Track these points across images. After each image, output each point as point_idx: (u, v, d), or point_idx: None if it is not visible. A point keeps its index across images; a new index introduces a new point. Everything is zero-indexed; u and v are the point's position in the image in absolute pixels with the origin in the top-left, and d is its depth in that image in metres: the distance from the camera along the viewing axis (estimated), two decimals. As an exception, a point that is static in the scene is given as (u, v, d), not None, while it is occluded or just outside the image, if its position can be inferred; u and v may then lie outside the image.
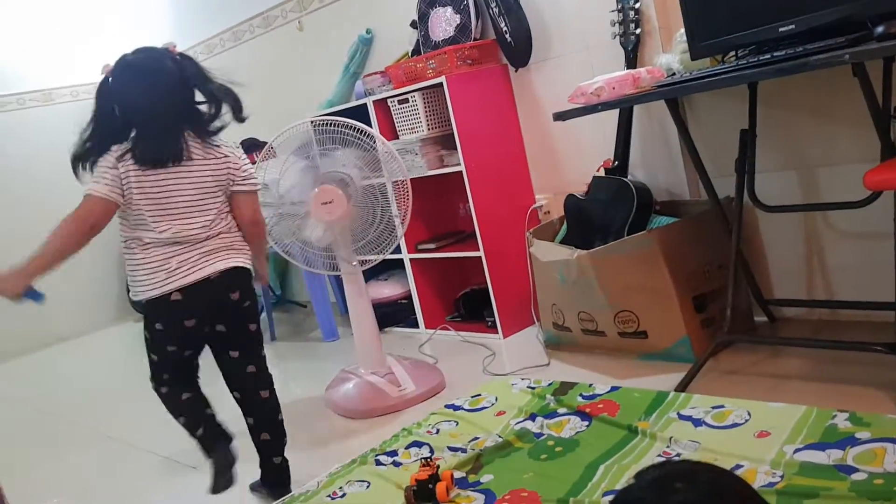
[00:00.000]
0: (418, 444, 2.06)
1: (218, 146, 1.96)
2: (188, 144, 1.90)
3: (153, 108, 1.87)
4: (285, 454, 2.12)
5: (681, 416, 1.85)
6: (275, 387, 2.12)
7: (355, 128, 2.49)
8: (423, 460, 1.82)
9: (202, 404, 2.07)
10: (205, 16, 4.64)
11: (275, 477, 2.11)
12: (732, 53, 2.14)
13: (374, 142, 2.55)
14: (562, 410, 2.07)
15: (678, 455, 1.69)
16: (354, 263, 2.63)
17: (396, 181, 2.63)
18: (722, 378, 2.23)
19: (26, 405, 3.88)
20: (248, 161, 2.02)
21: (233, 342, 2.03)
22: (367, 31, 3.62)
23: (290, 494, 1.95)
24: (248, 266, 2.01)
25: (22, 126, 5.15)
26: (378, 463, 1.99)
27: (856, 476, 1.45)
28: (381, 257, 2.65)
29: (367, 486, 1.89)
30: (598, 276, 2.47)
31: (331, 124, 2.48)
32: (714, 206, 2.41)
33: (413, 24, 3.31)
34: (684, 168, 2.67)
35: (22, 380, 4.53)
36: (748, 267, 2.48)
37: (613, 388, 2.12)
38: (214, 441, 2.05)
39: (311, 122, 2.53)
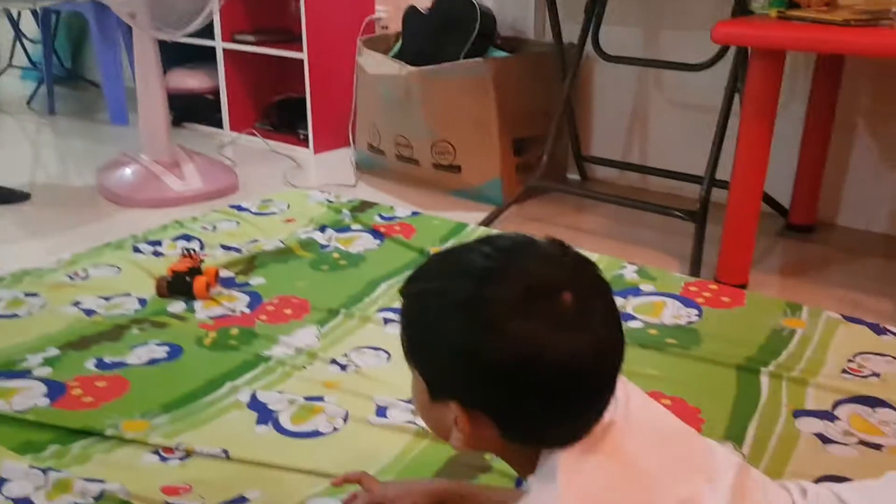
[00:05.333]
0: (188, 238, 1.83)
1: None
2: None
3: None
4: None
5: (476, 248, 1.75)
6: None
7: None
8: (184, 251, 1.61)
9: None
10: None
11: None
12: None
13: None
14: (356, 227, 1.92)
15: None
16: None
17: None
18: (526, 223, 2.17)
19: None
20: None
21: None
22: None
23: (20, 269, 1.66)
24: None
25: None
26: (136, 250, 1.75)
27: (633, 324, 1.43)
28: (182, 32, 2.28)
29: (118, 272, 1.65)
30: (424, 97, 2.28)
31: None
32: (556, 49, 2.28)
33: None
34: (535, 5, 2.49)
35: None
36: (574, 120, 2.40)
37: (414, 213, 1.99)
38: None
39: None
